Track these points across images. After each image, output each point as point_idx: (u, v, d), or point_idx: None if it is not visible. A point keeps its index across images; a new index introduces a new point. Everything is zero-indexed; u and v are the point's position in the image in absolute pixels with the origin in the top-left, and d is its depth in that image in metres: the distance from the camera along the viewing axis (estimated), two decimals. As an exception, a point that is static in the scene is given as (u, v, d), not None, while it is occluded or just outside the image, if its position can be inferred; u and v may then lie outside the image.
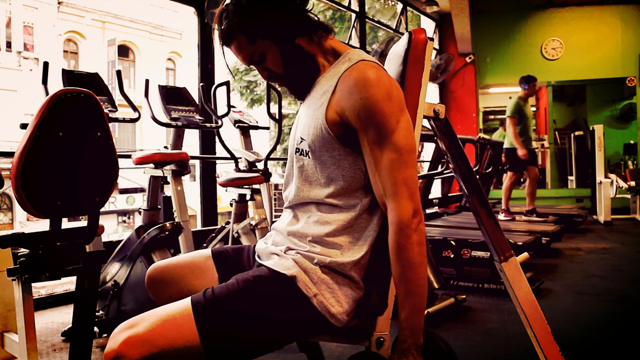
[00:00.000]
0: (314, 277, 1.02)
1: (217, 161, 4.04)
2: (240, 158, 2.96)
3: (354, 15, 6.26)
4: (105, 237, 3.28)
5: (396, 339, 1.02)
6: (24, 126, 1.31)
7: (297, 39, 1.08)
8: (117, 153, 1.38)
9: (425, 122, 1.29)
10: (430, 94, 8.30)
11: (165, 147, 2.58)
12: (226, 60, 1.12)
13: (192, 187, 4.67)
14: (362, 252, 1.05)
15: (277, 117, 3.08)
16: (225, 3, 1.07)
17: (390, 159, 0.99)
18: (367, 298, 1.07)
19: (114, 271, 2.29)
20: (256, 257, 1.18)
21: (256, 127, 3.13)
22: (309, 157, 1.09)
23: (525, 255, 1.69)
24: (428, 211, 5.22)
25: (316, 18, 1.11)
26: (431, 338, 1.06)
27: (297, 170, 1.12)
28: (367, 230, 1.06)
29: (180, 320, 0.93)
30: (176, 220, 2.45)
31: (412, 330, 0.99)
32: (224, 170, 3.16)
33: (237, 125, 3.06)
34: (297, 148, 1.12)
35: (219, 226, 3.45)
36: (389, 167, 0.99)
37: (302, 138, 1.10)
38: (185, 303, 0.97)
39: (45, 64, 2.11)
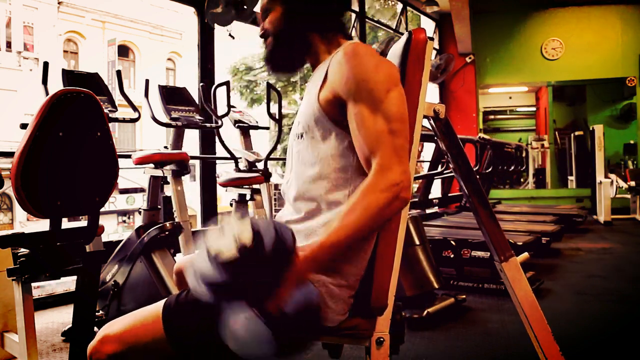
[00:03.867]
0: None
1: (217, 161, 4.04)
2: (240, 158, 2.96)
3: (354, 15, 6.26)
4: (105, 237, 3.27)
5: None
6: (24, 126, 1.31)
7: (309, 27, 1.12)
8: (117, 153, 1.38)
9: (426, 122, 1.29)
10: (430, 94, 8.30)
11: (165, 147, 2.58)
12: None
13: (192, 187, 4.67)
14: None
15: (277, 117, 3.08)
16: None
17: (377, 125, 0.95)
18: (366, 297, 1.07)
19: (114, 271, 2.29)
20: None
21: (256, 127, 3.13)
22: (303, 139, 1.10)
23: (525, 255, 1.69)
24: (428, 211, 5.21)
25: (342, 21, 1.15)
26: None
27: (295, 155, 1.13)
28: None
29: (149, 319, 0.98)
30: (176, 220, 2.45)
31: (314, 258, 0.89)
32: (224, 170, 3.16)
33: (237, 125, 3.06)
34: (295, 133, 1.14)
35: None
36: (375, 133, 0.95)
37: (299, 121, 1.12)
38: (159, 304, 1.01)
39: (45, 64, 2.11)
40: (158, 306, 1.00)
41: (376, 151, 0.94)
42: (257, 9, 1.20)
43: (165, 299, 1.02)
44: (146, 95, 2.49)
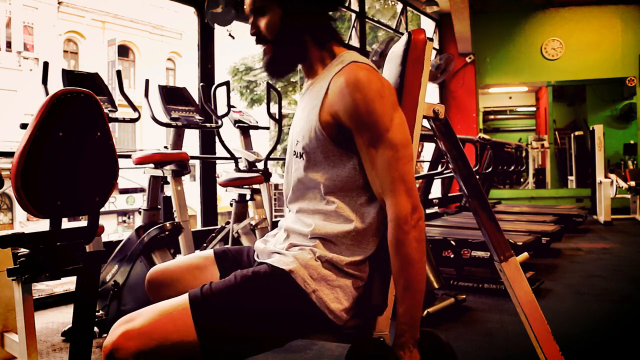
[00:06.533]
0: (314, 273, 1.02)
1: (217, 161, 4.05)
2: (240, 158, 2.96)
3: (354, 15, 6.26)
4: (105, 237, 3.28)
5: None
6: (24, 126, 1.31)
7: (305, 30, 1.10)
8: (117, 153, 1.38)
9: (425, 122, 1.29)
10: (430, 94, 8.30)
11: (165, 147, 2.58)
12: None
13: (192, 187, 4.67)
14: (364, 253, 1.06)
15: (277, 117, 3.09)
16: None
17: (387, 156, 1.00)
18: (367, 297, 1.08)
19: (114, 271, 2.29)
20: (255, 257, 1.18)
21: (256, 127, 3.13)
22: (304, 159, 1.09)
23: (525, 255, 1.69)
24: (428, 211, 5.22)
25: (334, 27, 1.14)
26: (434, 338, 1.07)
27: (295, 173, 1.13)
28: (367, 231, 1.07)
29: (176, 314, 0.94)
30: (176, 220, 2.45)
31: (409, 325, 1.01)
32: (224, 170, 3.16)
33: (237, 125, 3.06)
34: (294, 151, 1.13)
35: (219, 226, 3.45)
36: (385, 165, 1.00)
37: (297, 140, 1.11)
38: (183, 298, 0.98)
39: (45, 64, 2.11)
40: (183, 300, 0.97)
41: (387, 191, 1.01)
42: (246, 3, 1.20)
43: (187, 292, 0.99)
44: (146, 95, 2.49)
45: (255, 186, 2.89)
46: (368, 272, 1.08)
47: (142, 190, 14.64)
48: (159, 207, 2.52)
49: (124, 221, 15.71)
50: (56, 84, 1.72)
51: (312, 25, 1.10)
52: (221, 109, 2.87)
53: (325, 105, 1.05)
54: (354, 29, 6.27)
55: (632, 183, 6.49)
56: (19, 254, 1.24)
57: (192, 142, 3.73)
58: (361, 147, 1.03)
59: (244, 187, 2.88)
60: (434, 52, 8.05)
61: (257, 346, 1.02)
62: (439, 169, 4.54)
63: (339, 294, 1.03)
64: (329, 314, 1.02)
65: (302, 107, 1.14)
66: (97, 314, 2.21)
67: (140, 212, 2.51)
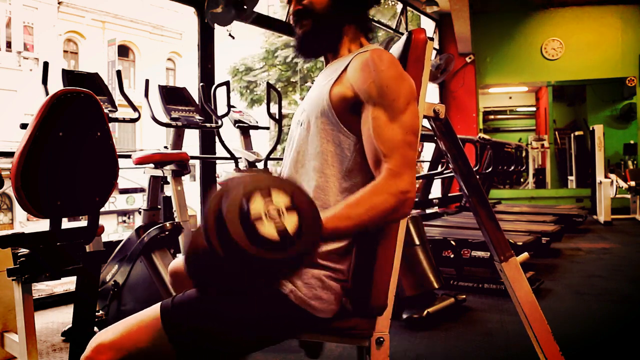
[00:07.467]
0: None
1: (217, 161, 4.05)
2: (240, 158, 2.96)
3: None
4: (105, 237, 3.28)
5: None
6: (24, 126, 1.31)
7: (348, 17, 1.12)
8: (117, 153, 1.38)
9: (426, 122, 1.29)
10: (430, 94, 8.29)
11: (165, 147, 2.58)
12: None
13: (192, 187, 4.67)
14: (338, 242, 1.04)
15: (277, 117, 3.09)
16: None
17: (394, 134, 0.97)
18: (365, 297, 1.07)
19: (114, 271, 2.29)
20: None
21: (256, 127, 3.13)
22: (303, 127, 1.11)
23: (525, 255, 1.69)
24: (428, 211, 5.21)
25: (371, 25, 1.18)
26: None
27: (294, 142, 1.13)
28: None
29: (147, 323, 0.95)
30: (176, 220, 2.46)
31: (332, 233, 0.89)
32: (224, 170, 3.16)
33: (237, 125, 3.06)
34: (298, 120, 1.14)
35: (219, 226, 3.44)
36: (391, 139, 0.96)
37: (304, 109, 1.13)
38: (155, 307, 0.98)
39: (45, 64, 2.11)
40: (154, 309, 0.98)
41: (389, 156, 0.95)
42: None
43: (159, 303, 1.00)
44: (146, 95, 2.49)
45: (255, 186, 2.88)
46: (348, 263, 1.06)
47: (142, 190, 14.63)
48: (159, 207, 2.52)
49: (124, 221, 15.69)
50: (56, 84, 1.72)
51: (355, 14, 1.13)
52: (221, 109, 2.87)
53: (340, 79, 1.05)
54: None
55: (632, 183, 6.48)
56: (19, 254, 1.24)
57: (192, 142, 3.73)
58: (367, 116, 0.99)
59: (244, 187, 2.87)
60: (434, 52, 8.05)
61: (239, 349, 1.02)
62: (439, 169, 4.55)
63: (318, 290, 1.02)
64: (312, 311, 1.01)
65: (316, 84, 1.15)
66: (97, 314, 2.21)
67: (140, 212, 2.51)
